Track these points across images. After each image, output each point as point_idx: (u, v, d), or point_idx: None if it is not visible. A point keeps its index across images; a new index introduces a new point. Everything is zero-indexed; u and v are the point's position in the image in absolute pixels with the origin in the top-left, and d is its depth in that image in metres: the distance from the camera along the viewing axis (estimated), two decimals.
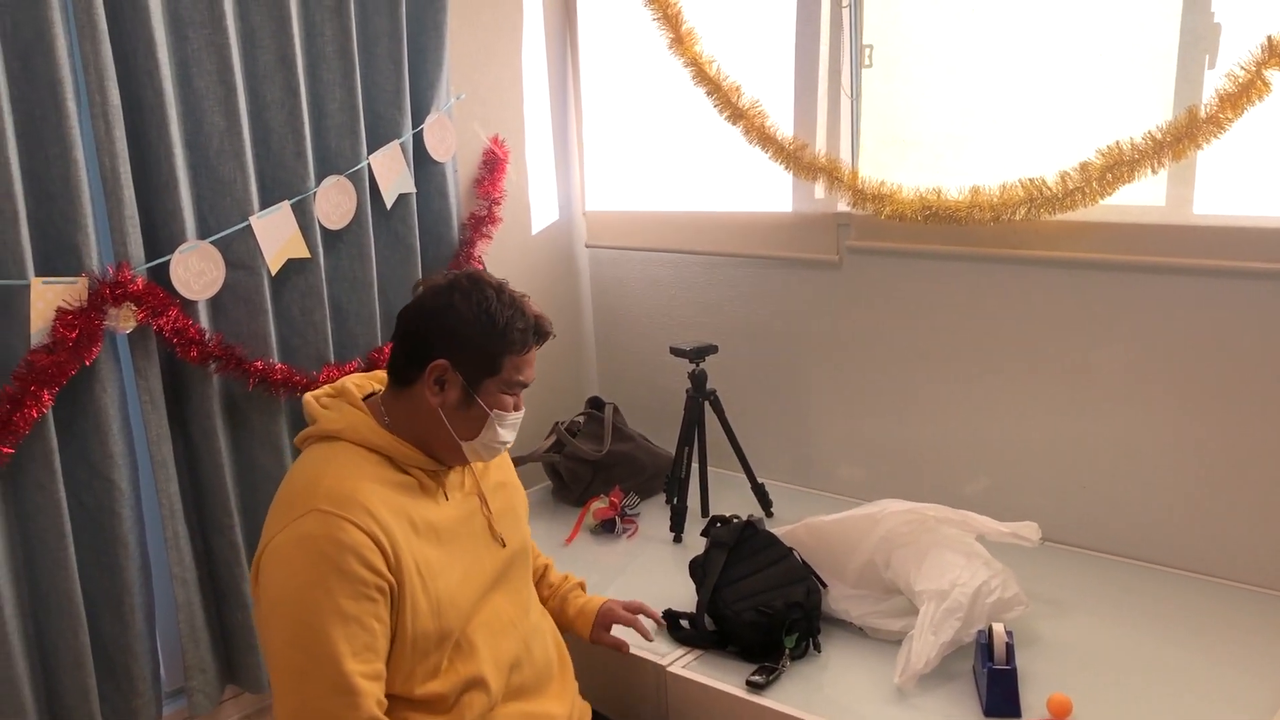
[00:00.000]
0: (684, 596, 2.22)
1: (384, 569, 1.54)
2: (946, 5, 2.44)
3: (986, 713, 1.82)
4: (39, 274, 2.02)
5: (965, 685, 1.91)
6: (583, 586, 2.10)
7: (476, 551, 1.74)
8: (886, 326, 2.68)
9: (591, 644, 2.02)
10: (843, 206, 2.65)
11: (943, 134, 2.50)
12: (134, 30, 2.12)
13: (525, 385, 1.72)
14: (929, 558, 2.05)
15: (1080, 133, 2.29)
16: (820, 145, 2.64)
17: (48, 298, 2.02)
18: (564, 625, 2.03)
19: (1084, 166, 2.21)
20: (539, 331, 1.71)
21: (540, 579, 2.07)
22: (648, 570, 2.45)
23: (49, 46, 1.97)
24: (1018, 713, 1.81)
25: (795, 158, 2.61)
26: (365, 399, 1.72)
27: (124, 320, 2.11)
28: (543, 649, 1.83)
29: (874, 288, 2.67)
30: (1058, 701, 1.79)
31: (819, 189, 2.64)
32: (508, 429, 1.72)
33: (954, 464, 2.63)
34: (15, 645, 2.06)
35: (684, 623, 2.13)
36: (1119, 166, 2.16)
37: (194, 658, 2.35)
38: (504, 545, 1.79)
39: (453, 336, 1.65)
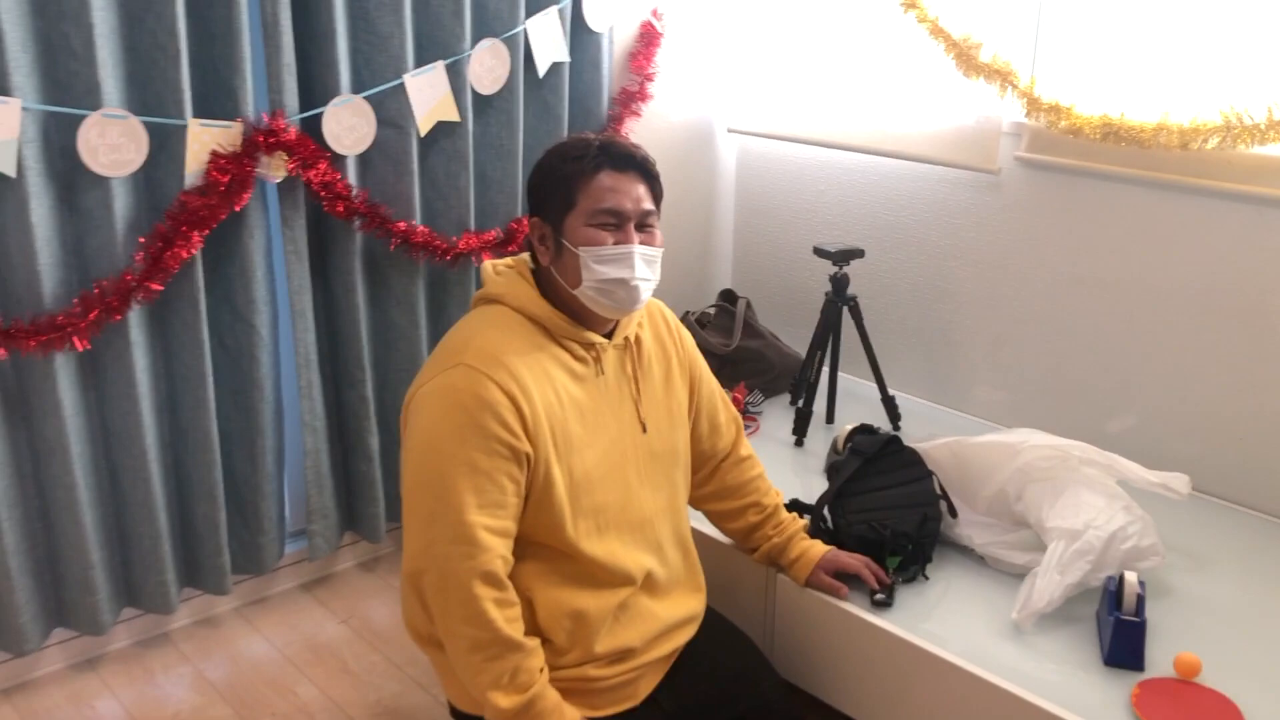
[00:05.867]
0: (802, 498, 2.18)
1: (519, 430, 1.55)
2: None
3: (1107, 662, 1.76)
4: (196, 115, 2.04)
5: (1086, 631, 1.84)
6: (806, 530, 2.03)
7: (619, 433, 1.71)
8: (1046, 247, 2.53)
9: (805, 587, 1.95)
10: (1011, 116, 2.49)
11: (1130, 51, 2.31)
12: None
13: (617, 214, 1.60)
14: (1065, 495, 1.96)
15: None
16: (995, 48, 2.46)
17: (203, 140, 2.04)
18: (778, 565, 1.99)
19: None
20: (609, 151, 1.61)
21: (768, 517, 1.98)
22: (767, 469, 2.39)
23: None
24: (1141, 666, 1.74)
25: (967, 57, 2.44)
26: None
27: (275, 169, 2.12)
28: (677, 552, 1.82)
29: (1037, 204, 2.53)
30: (1186, 661, 1.71)
31: (990, 94, 2.47)
32: (608, 264, 1.59)
33: (1100, 398, 2.51)
34: (154, 474, 2.15)
35: (805, 516, 2.10)
36: None
37: (317, 502, 2.42)
38: (644, 430, 1.75)
39: (533, 189, 1.68)
